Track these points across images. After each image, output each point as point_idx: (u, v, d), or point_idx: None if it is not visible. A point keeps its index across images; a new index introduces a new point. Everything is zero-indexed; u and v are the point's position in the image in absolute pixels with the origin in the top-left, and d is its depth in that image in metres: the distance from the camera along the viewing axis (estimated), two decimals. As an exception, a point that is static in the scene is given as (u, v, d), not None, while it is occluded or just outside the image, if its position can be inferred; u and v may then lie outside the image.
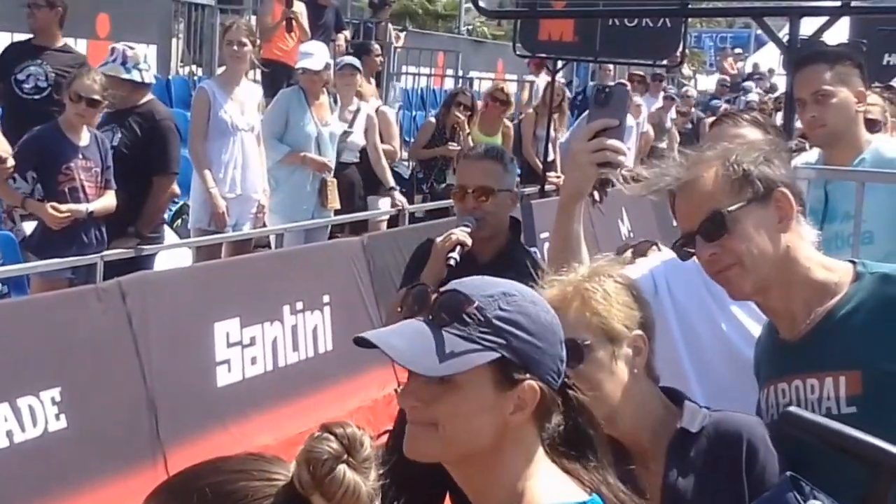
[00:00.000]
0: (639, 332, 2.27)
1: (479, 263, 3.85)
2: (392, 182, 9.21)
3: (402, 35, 16.39)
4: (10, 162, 5.71)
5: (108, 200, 6.40)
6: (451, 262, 3.84)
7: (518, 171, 4.09)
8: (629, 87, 7.56)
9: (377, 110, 9.59)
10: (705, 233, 2.28)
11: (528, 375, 1.66)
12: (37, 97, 7.33)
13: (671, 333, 2.77)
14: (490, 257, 3.96)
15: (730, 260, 2.28)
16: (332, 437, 1.33)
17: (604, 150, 2.57)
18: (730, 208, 2.26)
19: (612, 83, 4.07)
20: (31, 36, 7.72)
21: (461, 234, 3.89)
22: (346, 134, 8.79)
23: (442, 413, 1.66)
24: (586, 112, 4.03)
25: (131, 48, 6.73)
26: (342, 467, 1.31)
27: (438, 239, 3.96)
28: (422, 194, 10.11)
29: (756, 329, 2.65)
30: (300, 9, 11.07)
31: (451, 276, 3.75)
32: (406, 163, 10.82)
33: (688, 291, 2.82)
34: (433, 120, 10.26)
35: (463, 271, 3.73)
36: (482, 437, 1.67)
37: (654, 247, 3.37)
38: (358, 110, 9.07)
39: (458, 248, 3.86)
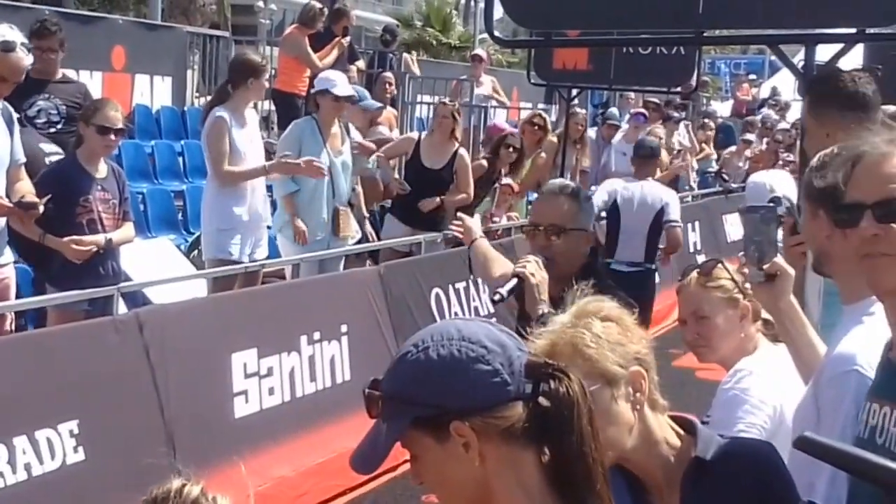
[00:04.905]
0: (636, 367, 2.20)
1: (552, 297, 3.62)
2: None
3: (414, 61, 16.49)
4: (41, 208, 5.70)
5: (127, 232, 6.42)
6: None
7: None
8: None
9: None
10: (883, 211, 2.15)
11: (449, 418, 1.66)
12: (52, 131, 7.18)
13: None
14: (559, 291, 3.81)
15: (890, 249, 2.16)
16: None
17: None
18: None
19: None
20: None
21: (521, 268, 3.68)
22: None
23: (426, 482, 1.73)
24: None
25: None
26: None
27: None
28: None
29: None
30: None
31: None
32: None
33: None
34: (484, 163, 10.09)
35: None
36: (467, 486, 1.69)
37: (720, 265, 3.30)
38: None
39: (515, 281, 3.66)
